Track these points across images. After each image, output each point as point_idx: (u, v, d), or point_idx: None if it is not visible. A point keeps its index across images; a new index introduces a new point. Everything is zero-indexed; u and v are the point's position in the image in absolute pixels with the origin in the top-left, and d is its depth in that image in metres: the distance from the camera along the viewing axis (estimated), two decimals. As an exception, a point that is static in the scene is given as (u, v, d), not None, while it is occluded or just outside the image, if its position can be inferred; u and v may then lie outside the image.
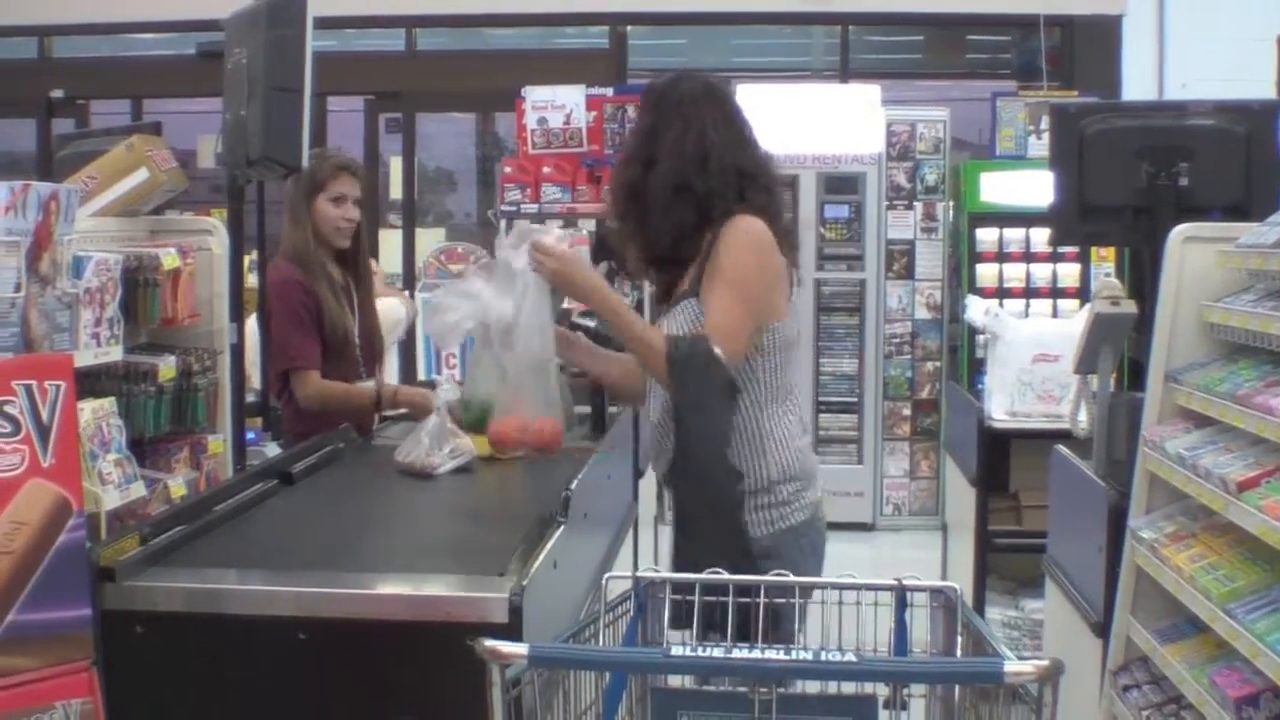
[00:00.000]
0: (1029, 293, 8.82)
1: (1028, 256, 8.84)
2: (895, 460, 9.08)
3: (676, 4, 11.37)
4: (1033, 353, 5.47)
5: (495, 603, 2.52)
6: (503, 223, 9.01)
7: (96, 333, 3.31)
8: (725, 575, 2.36)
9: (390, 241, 11.81)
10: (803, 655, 1.92)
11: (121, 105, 12.12)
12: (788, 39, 12.62)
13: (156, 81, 11.78)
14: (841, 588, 2.35)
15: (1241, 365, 3.34)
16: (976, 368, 8.28)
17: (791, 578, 2.37)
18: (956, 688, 2.13)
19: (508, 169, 9.04)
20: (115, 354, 3.43)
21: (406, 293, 8.58)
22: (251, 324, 4.75)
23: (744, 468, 3.29)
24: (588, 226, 8.78)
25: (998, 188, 8.77)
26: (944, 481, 8.13)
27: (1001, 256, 8.88)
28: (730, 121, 3.41)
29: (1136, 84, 10.36)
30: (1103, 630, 3.82)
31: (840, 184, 8.97)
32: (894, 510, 9.06)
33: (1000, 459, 5.71)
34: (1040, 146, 8.52)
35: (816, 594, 2.41)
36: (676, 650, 1.95)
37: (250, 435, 4.48)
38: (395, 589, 2.72)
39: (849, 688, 2.03)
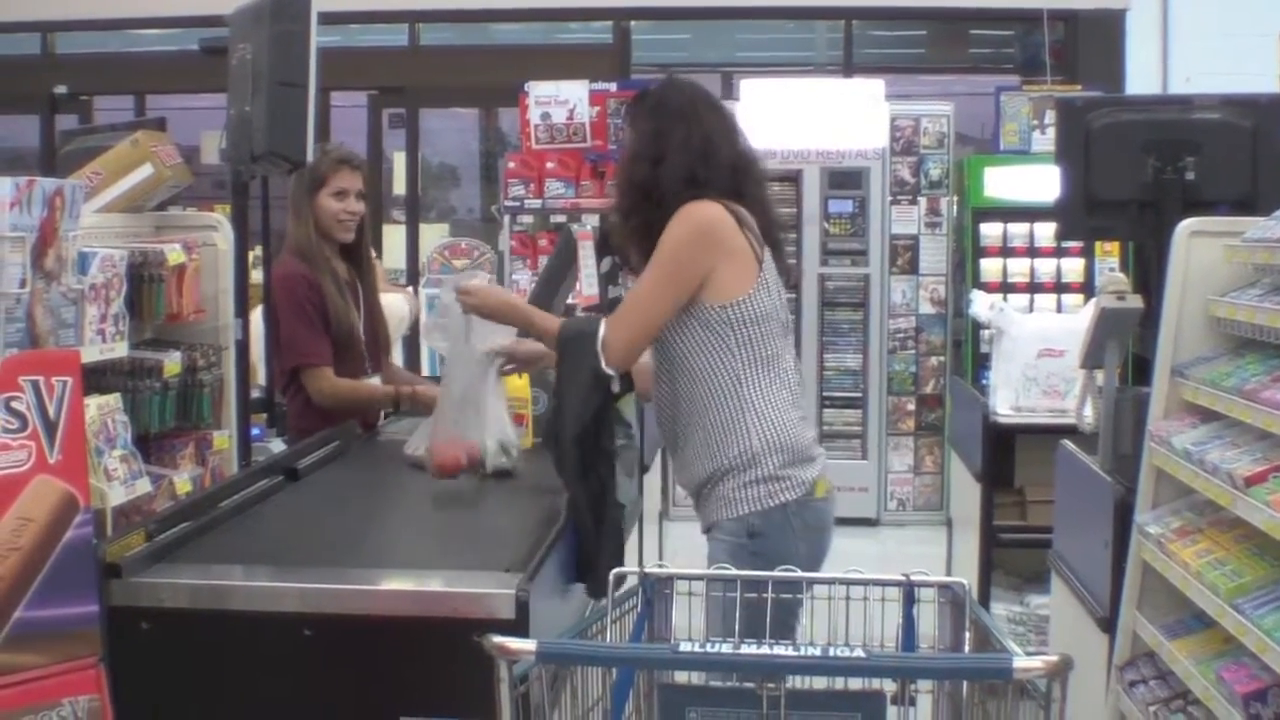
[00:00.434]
0: (1033, 288, 8.80)
1: (1032, 251, 8.82)
2: (899, 455, 9.07)
3: (680, -1, 11.38)
4: (1038, 348, 5.46)
5: (501, 598, 2.52)
6: (506, 218, 9.02)
7: (102, 329, 3.31)
8: (733, 571, 2.36)
9: (394, 237, 11.81)
10: (811, 651, 1.91)
11: (125, 101, 12.13)
12: (791, 33, 12.61)
13: (160, 77, 11.78)
14: (849, 583, 2.35)
15: (1248, 360, 3.33)
16: (981, 363, 8.27)
17: (799, 573, 2.37)
18: (965, 684, 2.13)
19: (511, 164, 9.03)
20: (120, 350, 3.43)
21: (410, 289, 8.59)
22: (257, 318, 4.75)
23: (722, 439, 3.33)
24: (591, 222, 8.78)
25: (1002, 182, 8.75)
26: (948, 477, 8.12)
27: (1006, 251, 8.85)
28: (724, 120, 3.52)
29: (1140, 78, 10.35)
30: (1109, 626, 3.82)
31: (844, 179, 8.95)
32: (898, 506, 9.05)
33: (1005, 454, 5.70)
34: (1044, 141, 8.51)
35: (822, 589, 2.41)
36: (685, 646, 1.94)
37: (255, 431, 4.48)
38: (401, 585, 2.72)
39: (856, 683, 2.03)
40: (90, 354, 3.21)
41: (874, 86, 9.22)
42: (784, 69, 12.41)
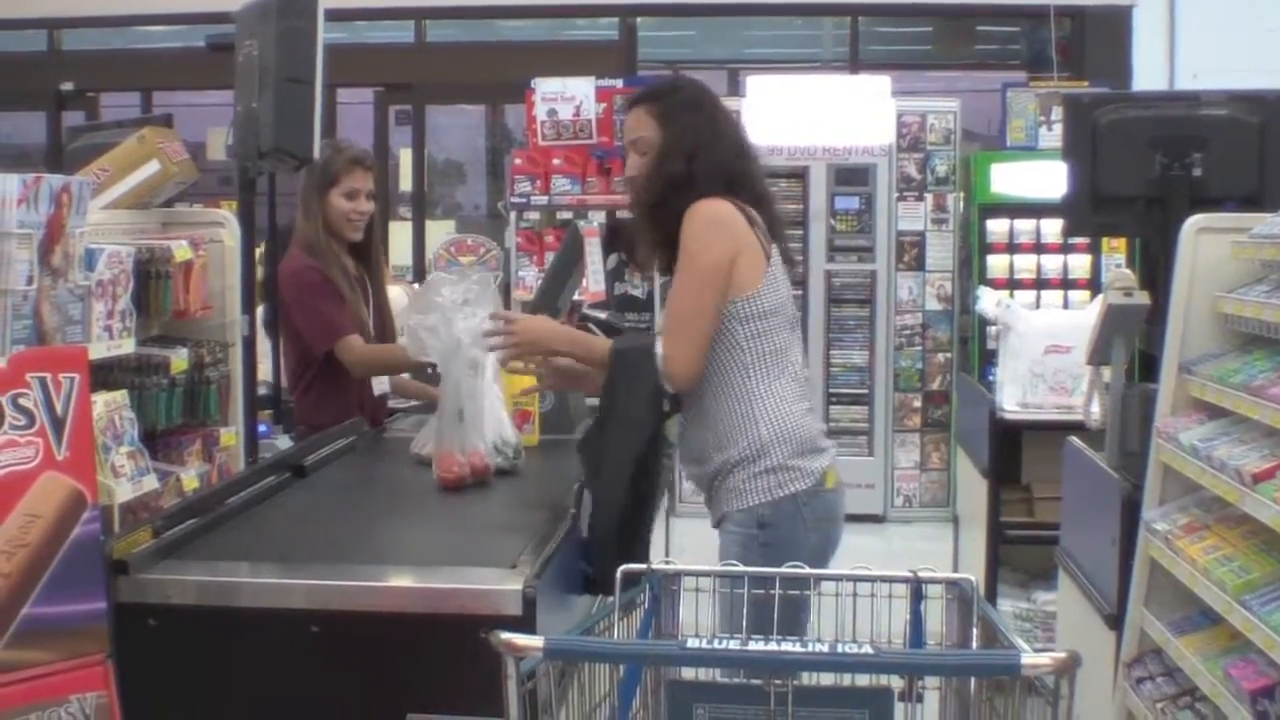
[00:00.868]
0: (1040, 284, 8.81)
1: (1038, 248, 8.83)
2: (906, 452, 9.06)
3: (686, -5, 11.39)
4: (1044, 344, 5.45)
5: (509, 595, 2.52)
6: (512, 214, 9.02)
7: (109, 325, 3.31)
8: (740, 568, 2.36)
9: (400, 234, 11.81)
10: (819, 648, 1.91)
11: (131, 98, 12.13)
12: (797, 30, 12.60)
13: (166, 74, 11.78)
14: (856, 579, 2.35)
15: (1255, 356, 3.32)
16: (987, 359, 8.27)
17: (806, 570, 2.37)
18: (972, 680, 2.13)
19: (518, 161, 9.04)
20: (127, 346, 3.43)
21: (416, 285, 8.58)
22: (261, 314, 4.76)
23: (731, 432, 3.34)
24: (598, 218, 8.78)
25: (1008, 179, 8.75)
26: (955, 473, 8.11)
27: (1012, 248, 8.86)
28: (735, 118, 3.59)
29: (1147, 74, 10.33)
30: (1116, 622, 3.82)
31: (850, 175, 8.94)
32: (905, 502, 9.05)
33: (1012, 451, 5.69)
34: (1051, 137, 8.50)
35: (830, 585, 2.40)
36: (692, 643, 1.94)
37: (262, 428, 4.49)
38: (408, 582, 2.72)
39: (864, 679, 2.03)
40: (97, 350, 3.21)
41: (880, 83, 9.20)
42: (790, 65, 12.40)
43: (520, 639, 1.94)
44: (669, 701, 2.07)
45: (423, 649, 2.54)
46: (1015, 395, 5.48)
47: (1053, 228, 8.45)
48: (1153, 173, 4.07)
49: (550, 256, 8.25)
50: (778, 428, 3.33)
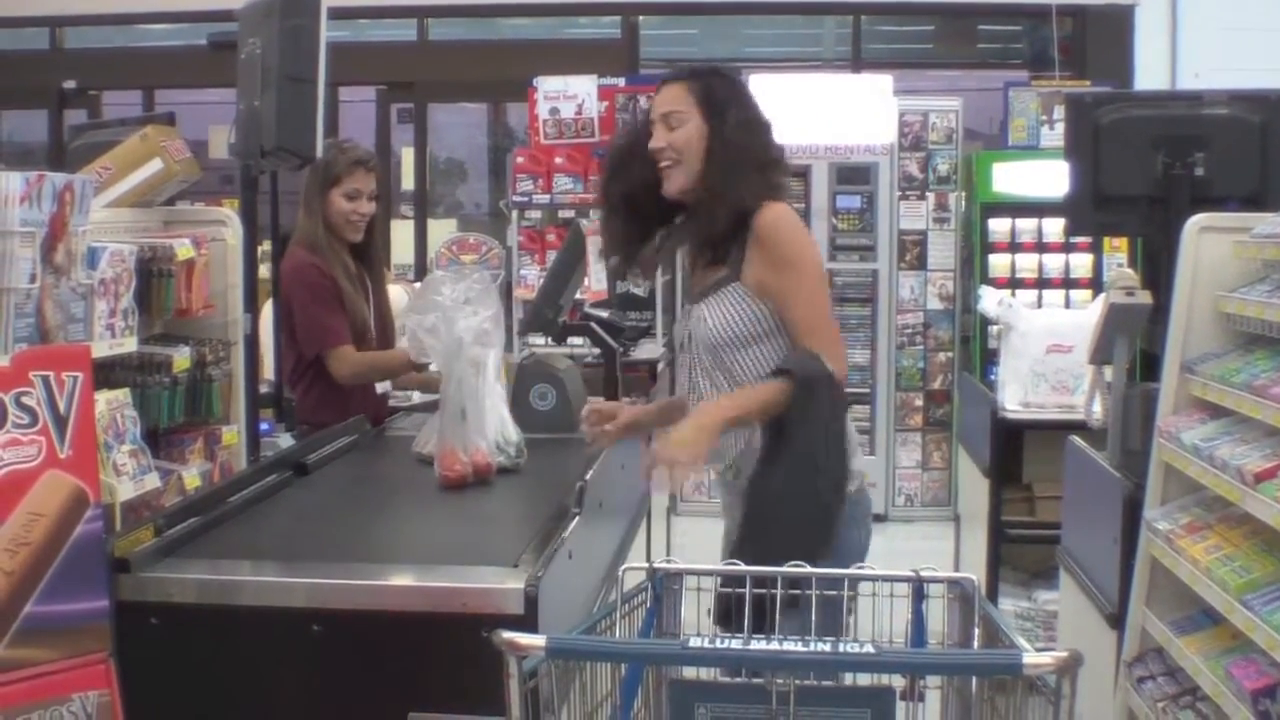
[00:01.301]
0: (1041, 283, 8.81)
1: (1040, 247, 8.83)
2: (907, 451, 9.06)
3: (688, -6, 11.39)
4: (1046, 343, 5.45)
5: (510, 594, 2.53)
6: (514, 213, 9.02)
7: (111, 324, 3.31)
8: (742, 567, 2.36)
9: (402, 233, 11.81)
10: (821, 647, 1.91)
11: (134, 96, 12.12)
12: (799, 29, 12.60)
13: (169, 72, 11.78)
14: (858, 578, 2.35)
15: (1257, 356, 3.33)
16: (989, 358, 8.26)
17: (807, 569, 2.36)
18: (974, 679, 2.13)
19: (520, 159, 9.04)
20: (130, 345, 3.43)
21: (416, 285, 8.58)
22: (267, 311, 4.75)
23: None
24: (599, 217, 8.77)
25: (1010, 178, 8.75)
26: (956, 472, 8.10)
27: (1014, 247, 8.86)
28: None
29: (1149, 73, 10.33)
30: (1118, 622, 3.82)
31: (852, 174, 8.94)
32: (906, 501, 9.05)
33: (1013, 450, 5.69)
34: (1052, 136, 8.50)
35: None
36: (695, 642, 1.94)
37: (264, 426, 4.48)
38: (410, 580, 2.72)
39: (865, 678, 2.03)
40: (100, 349, 3.21)
41: (882, 82, 9.20)
42: (792, 64, 12.38)
43: (522, 638, 1.94)
44: (671, 700, 2.07)
45: (425, 648, 2.54)
46: (1017, 394, 5.48)
47: (1055, 227, 8.45)
48: (1155, 172, 4.06)
49: (552, 255, 8.26)
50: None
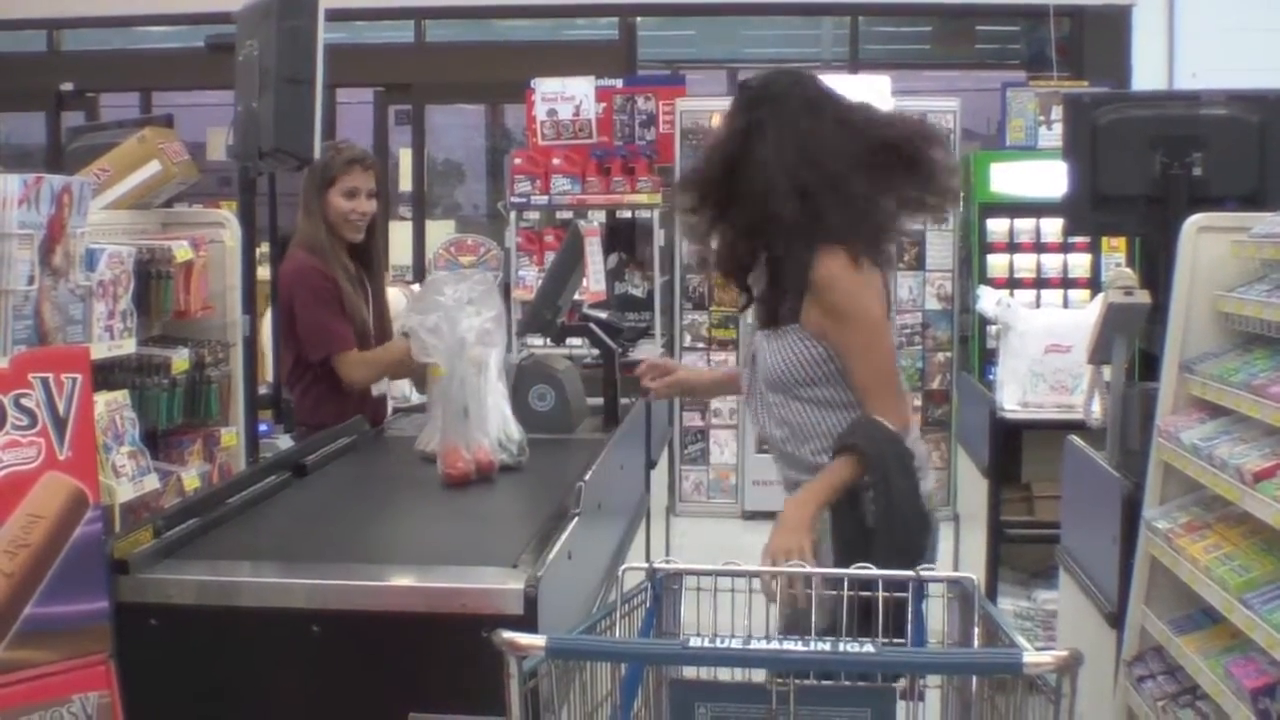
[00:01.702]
0: (1039, 283, 8.81)
1: (1038, 247, 8.83)
2: (907, 451, 9.05)
3: (685, -6, 11.38)
4: (1045, 343, 5.45)
5: (510, 594, 2.52)
6: (512, 214, 9.02)
7: (110, 325, 3.31)
8: (744, 567, 2.36)
9: (400, 234, 11.80)
10: (821, 646, 1.91)
11: (131, 98, 12.12)
12: (797, 30, 12.59)
13: (166, 74, 11.77)
14: (859, 578, 2.35)
15: (1256, 355, 3.33)
16: (988, 358, 8.26)
17: (808, 569, 2.37)
18: (974, 678, 2.13)
19: (517, 161, 9.05)
20: (128, 346, 3.43)
21: (414, 287, 8.58)
22: (267, 314, 4.76)
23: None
24: (598, 218, 8.79)
25: (1008, 178, 8.75)
26: (956, 472, 8.11)
27: (1012, 247, 8.86)
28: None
29: (1146, 74, 10.33)
30: (1117, 621, 3.82)
31: (851, 174, 8.93)
32: (905, 501, 9.04)
33: (1012, 450, 5.69)
34: (1050, 137, 8.50)
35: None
36: (695, 642, 1.94)
37: (263, 427, 4.49)
38: (409, 581, 2.72)
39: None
40: (98, 351, 3.21)
41: (880, 82, 9.19)
42: (790, 65, 12.37)
43: (522, 638, 1.94)
44: (671, 700, 2.08)
45: (424, 648, 2.54)
46: (1015, 394, 5.48)
47: (1053, 227, 8.45)
48: (1153, 172, 4.07)
49: (550, 256, 8.27)
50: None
